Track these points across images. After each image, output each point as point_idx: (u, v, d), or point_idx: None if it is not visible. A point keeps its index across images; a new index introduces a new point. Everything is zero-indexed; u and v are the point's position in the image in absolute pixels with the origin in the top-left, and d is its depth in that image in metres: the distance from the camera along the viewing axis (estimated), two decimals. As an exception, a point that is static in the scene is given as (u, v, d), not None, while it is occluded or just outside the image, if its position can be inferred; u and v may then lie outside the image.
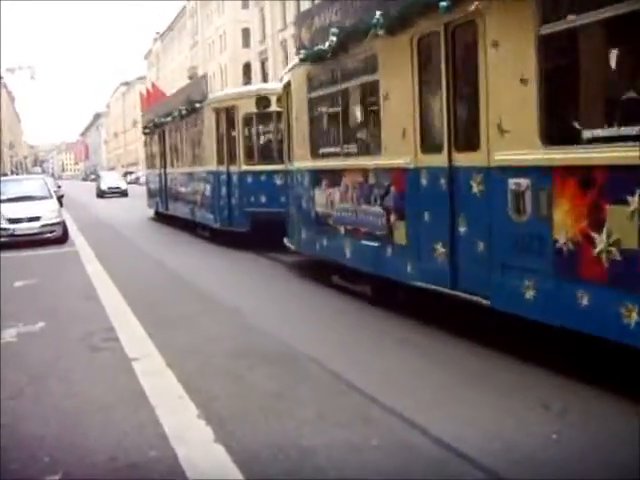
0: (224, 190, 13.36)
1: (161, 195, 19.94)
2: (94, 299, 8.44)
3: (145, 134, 22.85)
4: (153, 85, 33.01)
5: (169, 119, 17.66)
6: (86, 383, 5.26)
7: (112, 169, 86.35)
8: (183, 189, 16.89)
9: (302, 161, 9.04)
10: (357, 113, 7.68)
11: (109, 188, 40.45)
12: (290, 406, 4.64)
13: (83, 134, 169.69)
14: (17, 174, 61.50)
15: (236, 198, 13.00)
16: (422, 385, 5.00)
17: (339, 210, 7.97)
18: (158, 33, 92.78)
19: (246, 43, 57.90)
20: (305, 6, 45.88)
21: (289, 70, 9.73)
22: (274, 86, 12.85)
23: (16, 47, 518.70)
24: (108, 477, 3.67)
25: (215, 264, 12.16)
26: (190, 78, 39.40)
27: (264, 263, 11.59)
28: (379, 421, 4.34)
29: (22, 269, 11.42)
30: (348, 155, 7.79)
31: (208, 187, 14.24)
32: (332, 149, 8.22)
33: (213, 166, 13.78)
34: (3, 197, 15.46)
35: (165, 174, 19.41)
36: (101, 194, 40.25)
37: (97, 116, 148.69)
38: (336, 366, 5.40)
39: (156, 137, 20.57)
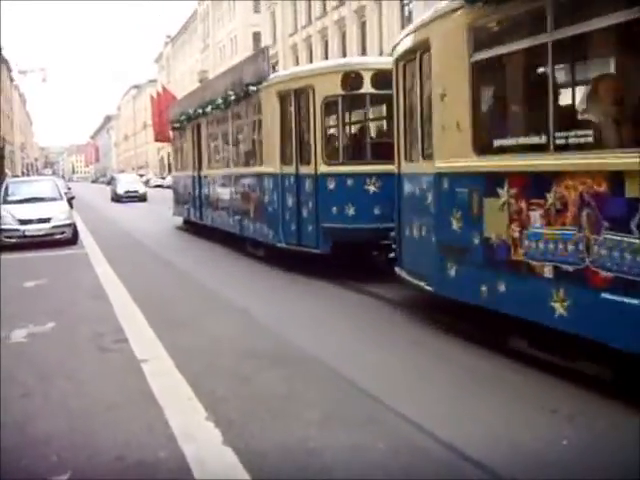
0: (291, 198, 10.14)
1: (194, 202, 16.77)
2: (103, 298, 8.41)
3: (174, 129, 19.54)
4: (164, 88, 32.06)
5: (208, 109, 14.36)
6: (95, 384, 5.18)
7: (122, 171, 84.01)
8: (226, 195, 13.64)
9: (453, 159, 5.94)
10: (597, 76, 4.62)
11: (126, 192, 36.57)
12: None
13: (93, 136, 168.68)
14: (28, 175, 60.13)
15: (309, 209, 9.73)
16: (429, 387, 4.87)
17: (541, 239, 4.90)
18: (169, 37, 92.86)
19: (257, 47, 57.64)
20: (316, 8, 43.81)
21: (423, 26, 6.53)
22: (365, 60, 9.76)
23: (28, 50, 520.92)
24: (116, 477, 3.58)
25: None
26: (200, 82, 37.15)
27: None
28: (385, 423, 4.20)
29: (32, 270, 11.32)
30: (566, 149, 4.72)
31: (267, 194, 10.98)
32: (527, 139, 5.10)
33: (275, 167, 10.58)
34: (14, 198, 15.59)
35: (199, 176, 16.24)
36: (117, 198, 36.73)
37: (107, 119, 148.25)
38: None
39: (189, 133, 17.19)
